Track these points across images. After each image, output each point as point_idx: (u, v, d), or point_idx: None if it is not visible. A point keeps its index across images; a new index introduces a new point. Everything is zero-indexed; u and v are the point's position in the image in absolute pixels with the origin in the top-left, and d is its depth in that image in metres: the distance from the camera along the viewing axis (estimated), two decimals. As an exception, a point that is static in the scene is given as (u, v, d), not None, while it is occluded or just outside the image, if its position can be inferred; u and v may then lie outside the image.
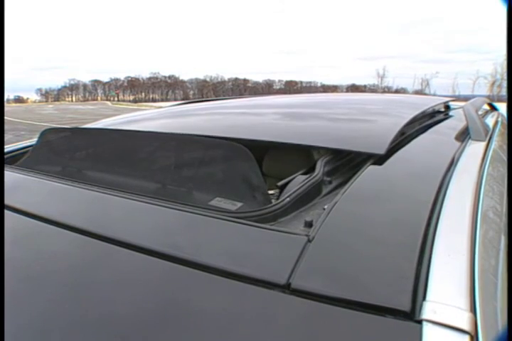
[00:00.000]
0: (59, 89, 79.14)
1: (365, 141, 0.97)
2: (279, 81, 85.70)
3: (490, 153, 0.93)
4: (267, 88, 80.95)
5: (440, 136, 1.14)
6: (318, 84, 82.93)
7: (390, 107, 1.49)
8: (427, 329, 0.37)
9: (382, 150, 0.89)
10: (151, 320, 0.41)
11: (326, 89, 74.78)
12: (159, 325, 0.40)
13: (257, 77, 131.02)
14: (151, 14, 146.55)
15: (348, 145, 0.93)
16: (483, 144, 0.98)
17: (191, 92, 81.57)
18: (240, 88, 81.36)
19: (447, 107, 1.82)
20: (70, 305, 0.45)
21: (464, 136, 1.07)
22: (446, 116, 1.50)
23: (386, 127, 1.11)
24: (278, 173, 0.78)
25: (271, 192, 0.76)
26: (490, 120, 1.60)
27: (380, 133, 1.05)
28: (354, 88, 74.47)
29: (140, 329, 0.40)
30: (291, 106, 1.66)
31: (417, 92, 57.93)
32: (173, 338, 0.39)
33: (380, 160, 0.82)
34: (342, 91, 58.18)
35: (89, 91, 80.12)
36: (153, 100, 72.28)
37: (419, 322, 0.38)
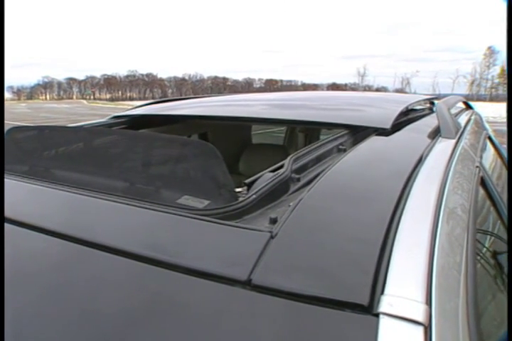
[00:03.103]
0: (32, 87, 76.42)
1: (369, 119, 1.19)
2: (259, 79, 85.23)
3: (458, 150, 0.94)
4: (246, 87, 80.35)
5: (413, 133, 1.17)
6: (299, 83, 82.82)
7: (376, 102, 1.64)
8: (383, 321, 0.38)
9: (387, 125, 1.06)
10: (120, 316, 0.43)
11: (307, 87, 74.56)
12: (126, 321, 0.42)
13: (237, 75, 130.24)
14: (128, 11, 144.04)
15: (357, 122, 1.14)
16: (452, 142, 1.00)
17: (170, 91, 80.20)
18: (220, 86, 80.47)
19: (432, 104, 1.87)
20: (46, 306, 0.45)
21: (434, 133, 1.08)
22: (425, 114, 1.53)
23: (387, 110, 1.31)
24: (254, 172, 0.78)
25: (239, 189, 0.76)
26: (464, 118, 1.62)
27: (382, 114, 1.25)
28: (335, 87, 74.72)
29: (112, 326, 0.42)
30: (291, 99, 1.87)
31: (398, 91, 58.43)
32: (138, 333, 0.40)
33: (354, 152, 0.86)
34: (323, 90, 58.13)
35: (64, 89, 77.75)
36: (131, 99, 70.73)
37: (377, 315, 0.38)
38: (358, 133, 1.11)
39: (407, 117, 1.35)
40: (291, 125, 2.29)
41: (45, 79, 77.60)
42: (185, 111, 1.57)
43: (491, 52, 60.81)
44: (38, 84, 76.86)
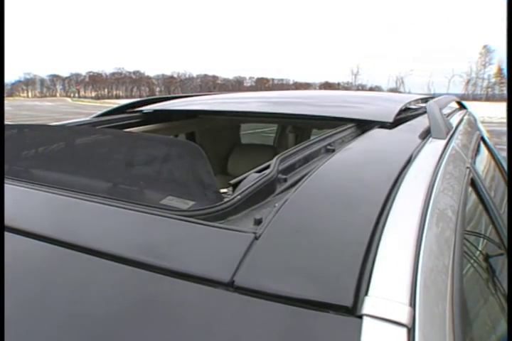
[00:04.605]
0: (12, 84, 73.48)
1: (372, 113, 1.27)
2: (250, 78, 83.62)
3: (448, 151, 0.94)
4: (237, 85, 78.76)
5: (404, 133, 1.16)
6: (291, 82, 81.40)
7: (374, 100, 1.69)
8: (366, 323, 0.38)
9: (390, 119, 1.16)
10: (105, 319, 0.43)
11: (299, 86, 73.29)
12: (111, 324, 0.43)
13: (227, 74, 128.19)
14: (116, 7, 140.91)
15: (361, 116, 1.22)
16: (442, 142, 0.99)
17: (157, 89, 78.16)
18: (209, 85, 78.75)
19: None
20: (30, 311, 0.45)
21: (425, 133, 1.08)
22: (418, 113, 1.52)
23: (386, 107, 1.39)
24: (243, 172, 0.77)
25: (224, 190, 0.74)
26: (456, 118, 1.61)
27: (383, 109, 1.35)
28: (327, 86, 73.61)
29: (97, 329, 0.42)
30: (289, 97, 1.93)
31: (392, 90, 57.49)
32: (122, 336, 0.41)
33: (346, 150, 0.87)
34: (315, 89, 56.93)
35: (47, 86, 75.00)
36: (117, 97, 68.54)
37: (360, 316, 0.39)
38: (353, 131, 1.12)
39: (401, 116, 1.35)
40: (295, 120, 2.22)
41: (27, 76, 74.96)
42: (177, 109, 1.58)
43: (487, 51, 60.47)
44: (19, 81, 74.16)
